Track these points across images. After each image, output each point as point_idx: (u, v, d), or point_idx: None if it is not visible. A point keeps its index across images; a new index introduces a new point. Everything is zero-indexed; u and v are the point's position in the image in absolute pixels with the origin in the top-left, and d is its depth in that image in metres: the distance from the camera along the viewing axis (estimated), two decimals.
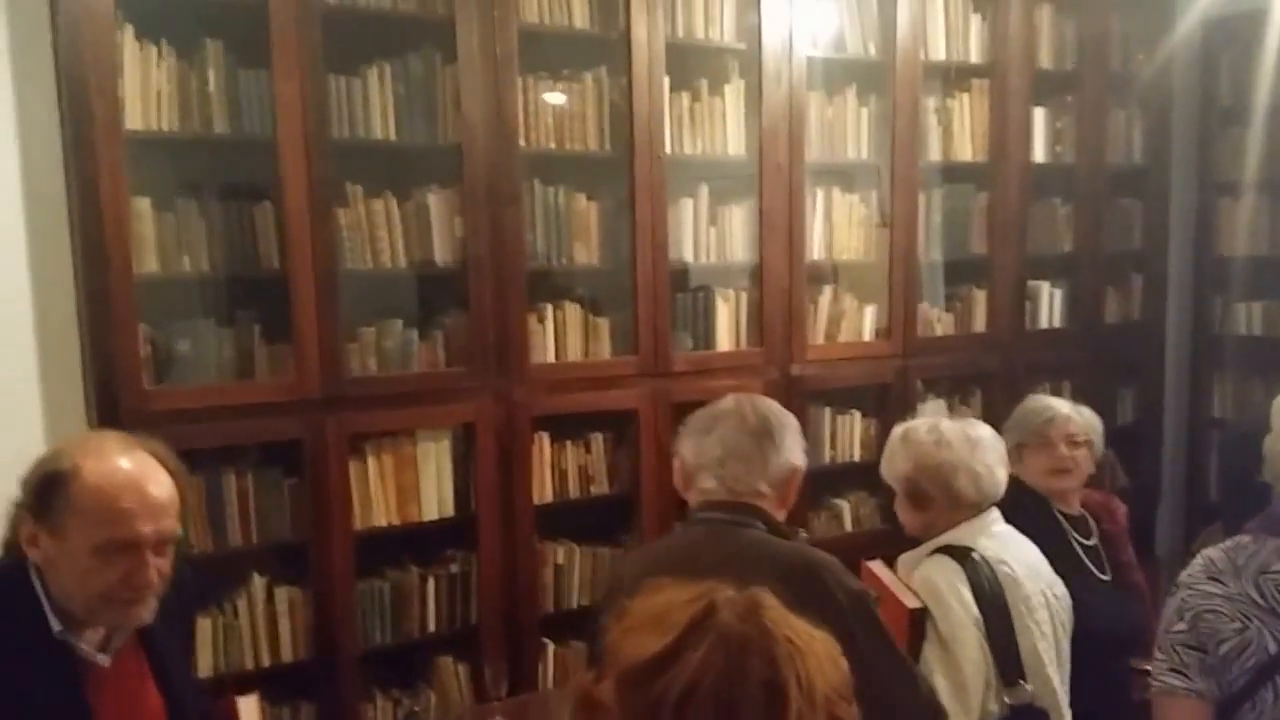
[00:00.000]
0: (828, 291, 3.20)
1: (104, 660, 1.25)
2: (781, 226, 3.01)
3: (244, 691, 1.45)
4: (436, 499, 2.67)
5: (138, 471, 1.19)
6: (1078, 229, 3.60)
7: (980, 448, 1.89)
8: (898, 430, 2.00)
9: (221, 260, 2.40)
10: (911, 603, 1.72)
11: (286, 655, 2.50)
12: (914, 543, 1.94)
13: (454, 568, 2.72)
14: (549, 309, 2.78)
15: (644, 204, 2.80)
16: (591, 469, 2.91)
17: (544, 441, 2.81)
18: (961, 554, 1.77)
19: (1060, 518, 2.29)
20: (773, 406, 1.60)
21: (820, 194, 3.14)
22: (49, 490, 1.18)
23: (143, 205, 2.29)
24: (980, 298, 3.44)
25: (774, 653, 0.75)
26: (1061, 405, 2.42)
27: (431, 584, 2.68)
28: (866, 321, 3.26)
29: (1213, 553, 1.44)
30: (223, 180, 2.43)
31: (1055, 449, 2.31)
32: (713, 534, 1.49)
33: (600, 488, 2.91)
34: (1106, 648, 2.05)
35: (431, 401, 2.61)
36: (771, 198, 2.98)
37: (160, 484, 1.20)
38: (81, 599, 1.20)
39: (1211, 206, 3.84)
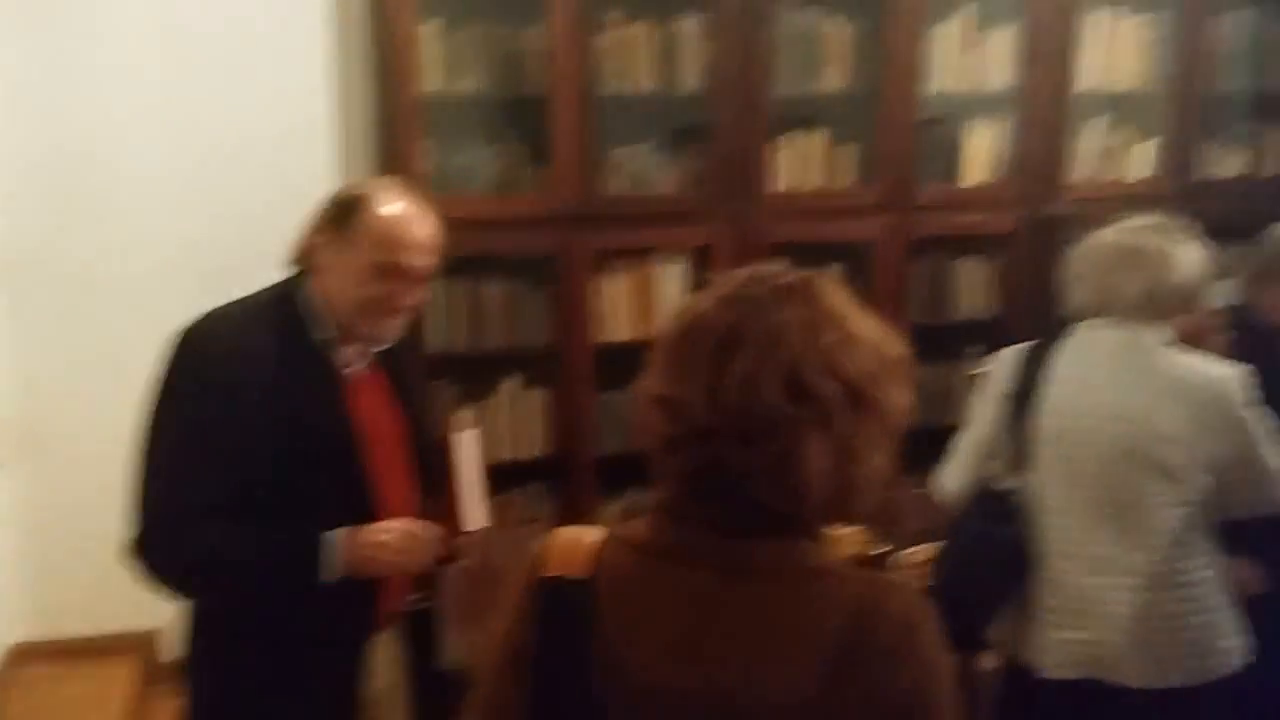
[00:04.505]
0: (1096, 124, 2.95)
1: (353, 370, 1.45)
2: (1048, 51, 2.78)
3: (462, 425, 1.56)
4: None
5: (417, 213, 1.43)
6: None
7: (1111, 258, 1.74)
8: None
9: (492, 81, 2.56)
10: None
11: (534, 450, 2.76)
12: None
13: None
14: (793, 135, 2.76)
15: (898, 28, 2.67)
16: None
17: None
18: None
19: None
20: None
21: (1102, 14, 2.87)
22: (348, 210, 1.41)
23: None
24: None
25: (748, 310, 0.83)
26: None
27: None
28: (1136, 159, 2.98)
29: None
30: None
31: None
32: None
33: None
34: None
35: (671, 223, 2.69)
36: (1038, 19, 2.76)
37: (432, 226, 1.44)
38: (348, 304, 1.40)
39: None
